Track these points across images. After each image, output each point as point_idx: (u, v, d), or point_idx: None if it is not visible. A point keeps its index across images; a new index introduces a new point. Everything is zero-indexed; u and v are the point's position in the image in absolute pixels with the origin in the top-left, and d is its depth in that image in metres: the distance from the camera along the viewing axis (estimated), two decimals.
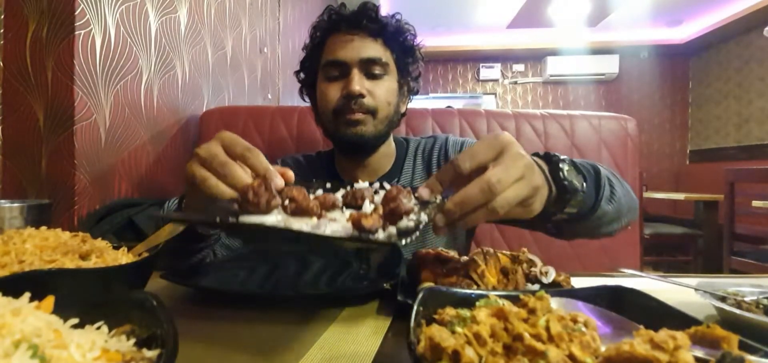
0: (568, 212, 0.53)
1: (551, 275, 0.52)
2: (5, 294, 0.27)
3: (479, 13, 4.51)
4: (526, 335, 0.24)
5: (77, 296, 0.35)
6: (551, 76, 5.27)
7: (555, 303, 0.29)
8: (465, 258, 0.53)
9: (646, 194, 3.75)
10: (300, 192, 0.40)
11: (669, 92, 5.30)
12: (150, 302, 0.28)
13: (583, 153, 1.23)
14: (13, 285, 0.29)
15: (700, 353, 0.24)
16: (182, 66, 1.19)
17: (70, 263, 0.40)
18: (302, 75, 0.87)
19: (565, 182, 0.50)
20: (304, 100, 0.91)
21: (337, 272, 0.64)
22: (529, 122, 1.25)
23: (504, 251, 0.56)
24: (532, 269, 0.53)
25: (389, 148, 0.87)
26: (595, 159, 1.23)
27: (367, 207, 0.40)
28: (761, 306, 0.43)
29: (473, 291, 0.33)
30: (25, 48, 0.78)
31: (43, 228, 0.46)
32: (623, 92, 5.35)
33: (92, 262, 0.41)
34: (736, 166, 2.50)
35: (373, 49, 0.78)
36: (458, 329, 0.26)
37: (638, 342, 0.22)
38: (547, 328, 0.25)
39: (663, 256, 4.05)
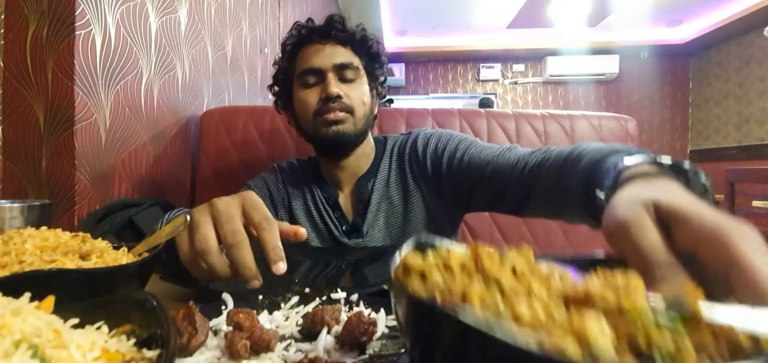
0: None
1: None
2: (5, 294, 0.27)
3: (479, 13, 4.52)
4: (488, 266, 0.25)
5: (77, 296, 0.35)
6: (551, 76, 5.28)
7: (544, 266, 0.29)
8: None
9: None
10: (247, 319, 0.34)
11: (669, 92, 5.30)
12: (150, 302, 0.28)
13: None
14: (13, 285, 0.29)
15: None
16: (182, 66, 1.19)
17: (70, 263, 0.40)
18: (276, 88, 0.91)
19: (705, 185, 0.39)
20: (279, 112, 0.94)
21: (337, 273, 0.64)
22: (529, 122, 1.25)
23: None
24: None
25: (367, 147, 0.90)
26: None
27: (323, 338, 0.34)
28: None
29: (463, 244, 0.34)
30: (25, 48, 0.79)
31: (43, 228, 0.46)
32: (623, 92, 5.36)
33: (92, 263, 0.41)
34: (736, 166, 2.50)
35: (344, 55, 0.83)
36: (432, 260, 0.27)
37: (594, 282, 0.23)
38: (514, 269, 0.26)
39: None
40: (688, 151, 5.23)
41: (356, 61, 0.84)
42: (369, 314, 0.39)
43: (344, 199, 0.89)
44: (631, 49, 5.11)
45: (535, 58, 5.41)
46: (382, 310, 0.40)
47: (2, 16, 0.78)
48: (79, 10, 0.79)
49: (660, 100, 5.31)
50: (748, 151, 4.40)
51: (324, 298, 0.44)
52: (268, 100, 2.06)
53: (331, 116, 0.80)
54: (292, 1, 2.46)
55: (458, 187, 0.81)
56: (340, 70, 0.82)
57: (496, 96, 5.55)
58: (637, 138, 1.26)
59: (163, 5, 1.07)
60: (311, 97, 0.82)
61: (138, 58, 0.98)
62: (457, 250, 0.28)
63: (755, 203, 2.31)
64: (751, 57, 4.42)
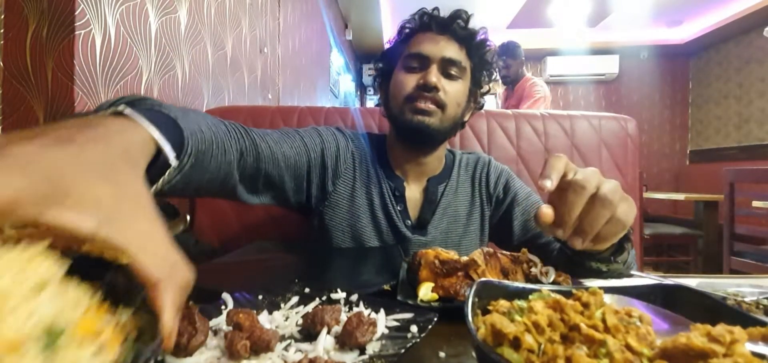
0: (619, 262, 0.61)
1: (551, 275, 0.52)
2: None
3: (479, 13, 4.49)
4: (583, 325, 0.25)
5: None
6: (551, 76, 5.27)
7: (608, 299, 0.29)
8: (465, 258, 0.53)
9: (646, 194, 3.75)
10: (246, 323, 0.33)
11: (669, 92, 5.30)
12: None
13: (583, 153, 1.23)
14: None
15: (757, 349, 0.24)
16: (182, 66, 1.19)
17: None
18: (380, 65, 0.92)
19: (627, 235, 0.59)
20: (375, 90, 0.95)
21: (340, 274, 0.64)
22: (529, 122, 1.25)
23: (504, 251, 0.56)
24: (532, 269, 0.53)
25: (442, 151, 0.91)
26: (596, 159, 1.23)
27: (323, 338, 0.34)
28: (761, 306, 0.43)
29: (526, 285, 0.34)
30: (25, 48, 0.78)
31: None
32: (623, 92, 5.35)
33: None
34: (736, 167, 2.50)
35: (455, 51, 0.82)
36: (517, 318, 0.26)
37: (695, 335, 0.23)
38: (604, 320, 0.25)
39: (663, 257, 4.06)
40: (688, 151, 5.23)
41: (466, 61, 0.84)
42: (369, 314, 0.39)
43: (411, 194, 0.88)
44: (631, 49, 5.11)
45: (535, 58, 5.40)
46: (382, 310, 0.40)
47: (2, 16, 0.78)
48: (79, 10, 0.79)
49: (660, 100, 5.31)
50: (748, 151, 4.40)
51: (324, 298, 0.44)
52: (268, 100, 2.06)
53: (422, 104, 0.79)
54: (292, 2, 2.45)
55: (501, 227, 0.91)
56: (446, 64, 0.81)
57: (496, 96, 5.54)
58: (636, 138, 1.26)
59: (163, 5, 1.07)
60: (410, 81, 0.82)
61: (138, 58, 0.98)
62: (538, 303, 0.27)
63: (755, 203, 2.31)
64: (751, 57, 4.42)
